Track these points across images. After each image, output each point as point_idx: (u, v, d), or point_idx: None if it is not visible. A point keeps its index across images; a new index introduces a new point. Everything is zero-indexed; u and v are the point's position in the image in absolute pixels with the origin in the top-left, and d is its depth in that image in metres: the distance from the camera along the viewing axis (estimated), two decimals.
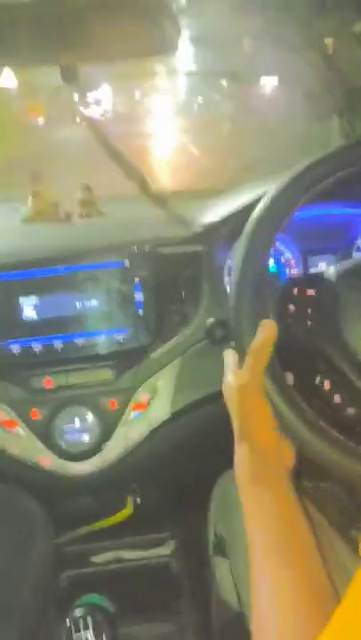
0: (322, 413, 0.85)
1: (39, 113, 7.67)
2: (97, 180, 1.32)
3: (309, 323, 0.86)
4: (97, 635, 0.98)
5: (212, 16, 1.22)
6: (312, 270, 1.22)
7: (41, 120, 7.72)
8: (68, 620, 1.01)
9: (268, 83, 7.68)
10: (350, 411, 0.86)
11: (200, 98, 9.25)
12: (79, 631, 0.98)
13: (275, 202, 0.83)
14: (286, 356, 0.83)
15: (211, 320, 1.04)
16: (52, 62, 0.96)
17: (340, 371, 0.84)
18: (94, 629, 0.98)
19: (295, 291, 0.88)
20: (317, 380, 0.87)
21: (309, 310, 0.87)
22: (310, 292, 0.88)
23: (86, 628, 0.98)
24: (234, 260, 0.84)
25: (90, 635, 0.98)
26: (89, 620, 0.99)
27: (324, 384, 0.86)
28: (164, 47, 0.91)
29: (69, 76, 0.98)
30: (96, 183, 1.28)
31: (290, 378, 0.85)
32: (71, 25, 0.86)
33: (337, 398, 0.85)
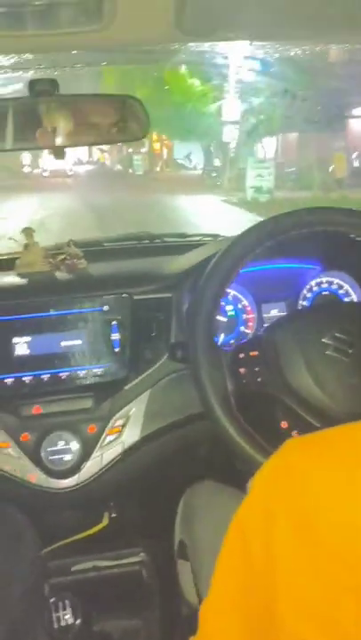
0: None
1: None
2: None
3: (260, 379, 1.05)
4: (74, 615, 1.13)
5: None
6: (265, 315, 1.42)
7: None
8: (49, 602, 1.16)
9: None
10: None
11: None
12: (58, 612, 1.14)
13: (224, 259, 1.05)
14: (248, 409, 1.02)
15: (173, 342, 1.22)
16: (35, 148, 1.16)
17: (293, 410, 1.02)
18: (72, 610, 1.14)
19: (242, 355, 1.07)
20: (276, 422, 1.05)
21: (257, 368, 1.05)
22: (254, 353, 1.07)
23: (64, 609, 1.14)
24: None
25: (68, 615, 1.13)
26: (67, 602, 1.15)
27: (282, 424, 1.04)
28: (137, 135, 1.12)
29: (60, 153, 1.17)
30: None
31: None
32: (55, 118, 1.07)
33: (295, 433, 1.02)
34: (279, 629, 0.54)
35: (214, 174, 16.05)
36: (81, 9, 0.82)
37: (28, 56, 1.02)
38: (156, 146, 20.92)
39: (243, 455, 0.98)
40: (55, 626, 1.14)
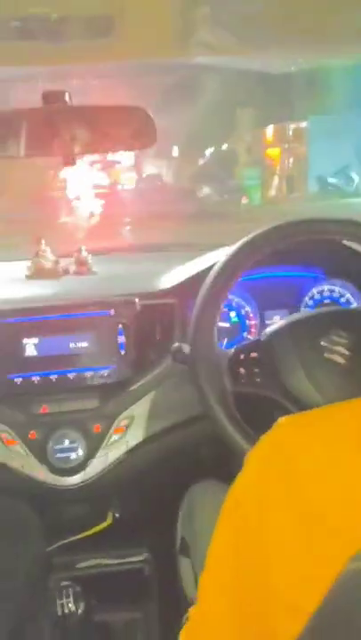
0: None
1: None
2: None
3: (258, 380, 1.09)
4: (76, 603, 1.17)
5: None
6: (267, 322, 1.45)
7: None
8: (52, 589, 1.20)
9: None
10: None
11: None
12: (62, 599, 1.17)
13: (222, 268, 1.09)
14: (246, 409, 1.06)
15: (176, 345, 1.27)
16: (51, 154, 1.21)
17: (289, 412, 1.05)
18: (75, 599, 1.17)
19: (242, 356, 1.11)
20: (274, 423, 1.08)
21: (256, 369, 1.09)
22: (254, 354, 1.11)
23: (68, 596, 1.17)
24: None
25: (70, 602, 1.17)
26: (70, 590, 1.19)
27: None
28: (145, 142, 1.17)
29: (70, 161, 1.22)
30: None
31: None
32: (66, 127, 1.13)
33: None
34: (273, 598, 0.57)
35: None
36: (90, 23, 0.87)
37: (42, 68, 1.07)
38: (273, 152, 10.94)
39: (241, 453, 1.01)
40: (59, 613, 1.18)
